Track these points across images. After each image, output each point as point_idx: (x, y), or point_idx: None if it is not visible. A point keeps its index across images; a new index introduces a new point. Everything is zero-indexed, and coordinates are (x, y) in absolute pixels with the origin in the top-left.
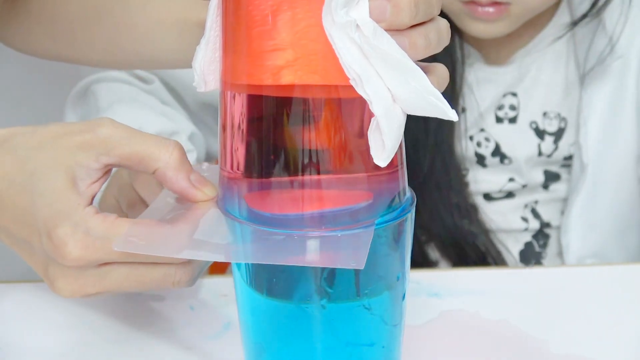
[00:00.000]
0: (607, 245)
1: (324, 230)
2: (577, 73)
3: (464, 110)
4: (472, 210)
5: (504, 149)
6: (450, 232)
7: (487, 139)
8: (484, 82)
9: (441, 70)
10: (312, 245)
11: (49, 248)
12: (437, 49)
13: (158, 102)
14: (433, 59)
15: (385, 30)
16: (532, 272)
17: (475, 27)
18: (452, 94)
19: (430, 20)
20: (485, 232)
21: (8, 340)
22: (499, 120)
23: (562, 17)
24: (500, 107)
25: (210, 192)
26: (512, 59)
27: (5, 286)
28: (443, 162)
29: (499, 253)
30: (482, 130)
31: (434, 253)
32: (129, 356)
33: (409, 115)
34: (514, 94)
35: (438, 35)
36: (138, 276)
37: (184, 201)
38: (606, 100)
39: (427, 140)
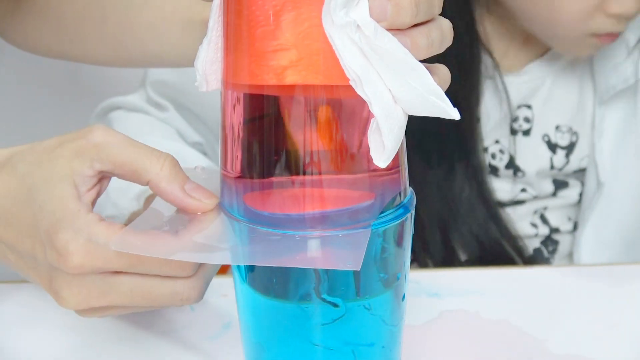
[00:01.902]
0: (618, 260)
1: (323, 231)
2: (593, 90)
3: (478, 120)
4: (492, 218)
5: (518, 161)
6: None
7: (501, 151)
8: (500, 92)
9: (443, 70)
10: (310, 246)
11: (52, 256)
12: (440, 48)
13: (174, 131)
14: (459, 68)
15: (387, 29)
16: (532, 272)
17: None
18: (469, 105)
19: (432, 19)
20: (505, 238)
21: (8, 340)
22: (513, 132)
23: None
24: (515, 119)
25: (209, 201)
26: (527, 68)
27: (6, 286)
28: (470, 178)
29: (510, 259)
30: (497, 142)
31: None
32: (129, 356)
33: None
34: (529, 107)
35: (441, 35)
36: (145, 291)
37: None
38: (620, 118)
39: (466, 171)
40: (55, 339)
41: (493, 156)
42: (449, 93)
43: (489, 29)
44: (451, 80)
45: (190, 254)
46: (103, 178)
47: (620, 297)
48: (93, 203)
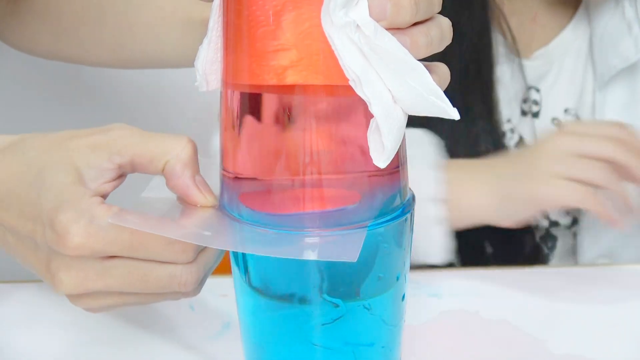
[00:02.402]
0: (618, 246)
1: (322, 231)
2: (593, 75)
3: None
4: None
5: (528, 142)
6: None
7: (512, 130)
8: (510, 73)
9: (442, 69)
10: (309, 241)
11: (52, 238)
12: (439, 47)
13: None
14: (473, 46)
15: (386, 29)
16: (532, 272)
17: None
18: (482, 85)
19: (432, 18)
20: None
21: (8, 340)
22: (523, 113)
23: (581, 21)
24: (525, 101)
25: (211, 199)
26: (535, 55)
27: (6, 286)
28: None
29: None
30: (508, 121)
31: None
32: (129, 356)
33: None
34: (537, 90)
35: (440, 34)
36: (142, 274)
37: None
38: (622, 99)
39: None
40: (55, 339)
41: (503, 135)
42: (466, 76)
43: (505, 11)
44: (467, 61)
45: (189, 235)
46: (121, 175)
47: (620, 297)
48: (106, 195)
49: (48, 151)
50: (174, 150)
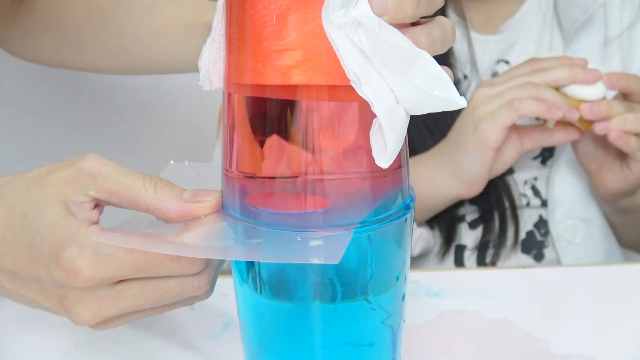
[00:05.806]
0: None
1: (324, 231)
2: (561, 36)
3: (466, 77)
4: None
5: None
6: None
7: None
8: (477, 50)
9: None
10: (311, 243)
11: (60, 275)
12: (442, 48)
13: None
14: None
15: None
16: (532, 272)
17: None
18: (446, 60)
19: (434, 20)
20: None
21: (8, 340)
22: None
23: None
24: (494, 74)
25: (212, 198)
26: (500, 29)
27: None
28: None
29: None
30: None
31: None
32: (129, 356)
33: None
34: (507, 62)
35: (442, 35)
36: (154, 289)
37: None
38: (591, 51)
39: None
40: (55, 339)
41: None
42: None
43: None
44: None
45: (176, 248)
46: (98, 205)
47: (620, 297)
48: (95, 222)
49: (27, 192)
50: (148, 195)
